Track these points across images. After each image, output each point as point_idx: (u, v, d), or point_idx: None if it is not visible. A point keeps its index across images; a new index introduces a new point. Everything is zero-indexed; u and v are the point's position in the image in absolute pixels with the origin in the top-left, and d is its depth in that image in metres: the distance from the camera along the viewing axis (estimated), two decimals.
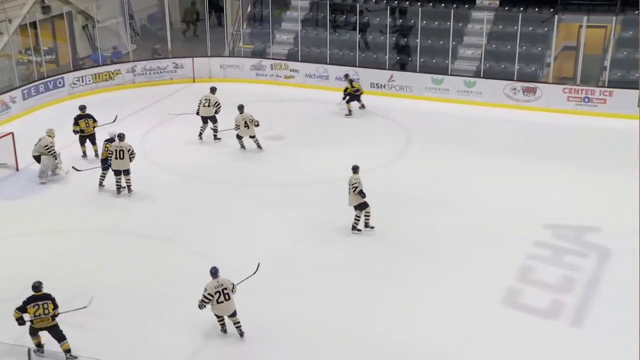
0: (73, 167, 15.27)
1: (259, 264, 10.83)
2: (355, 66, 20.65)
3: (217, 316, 10.29)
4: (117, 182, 14.37)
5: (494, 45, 20.34)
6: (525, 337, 10.39)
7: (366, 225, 12.87)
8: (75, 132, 15.87)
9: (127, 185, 14.41)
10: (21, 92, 18.73)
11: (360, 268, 12.04)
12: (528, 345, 10.24)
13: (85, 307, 10.29)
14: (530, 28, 20.08)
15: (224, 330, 10.39)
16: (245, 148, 16.66)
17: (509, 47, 20.00)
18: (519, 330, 10.52)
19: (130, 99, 19.73)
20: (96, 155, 15.89)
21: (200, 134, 17.10)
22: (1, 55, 19.30)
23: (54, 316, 9.69)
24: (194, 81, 20.96)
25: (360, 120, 18.73)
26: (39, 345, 9.83)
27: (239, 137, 16.56)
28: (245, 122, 16.22)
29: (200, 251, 12.20)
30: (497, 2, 21.21)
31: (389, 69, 20.46)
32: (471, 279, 11.71)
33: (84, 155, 16.17)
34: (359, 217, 12.81)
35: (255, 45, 22.38)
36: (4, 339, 9.32)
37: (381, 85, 20.45)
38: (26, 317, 9.71)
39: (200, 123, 17.00)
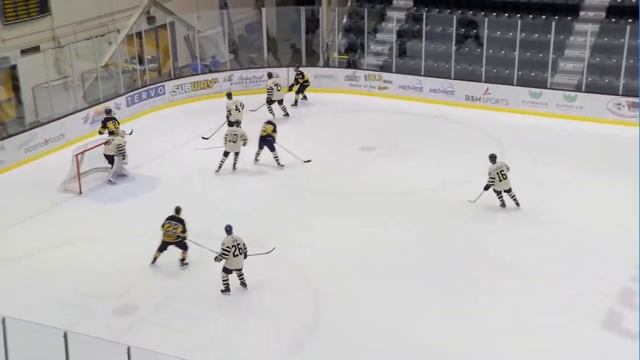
0: (202, 137, 17.31)
1: (274, 248, 11.89)
2: (450, 78, 20.39)
3: (226, 272, 11.30)
4: (222, 161, 15.91)
5: (597, 59, 19.55)
6: None
7: (517, 204, 13.96)
8: (101, 133, 16.44)
9: (234, 163, 15.99)
10: (125, 99, 19.58)
11: (443, 279, 11.85)
12: None
13: (267, 252, 11.83)
14: None
15: (227, 289, 11.34)
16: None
17: (614, 60, 19.18)
18: (620, 356, 10.00)
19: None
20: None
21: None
22: (109, 64, 20.27)
23: (179, 236, 12.05)
24: (288, 90, 21.26)
25: (453, 133, 18.44)
26: (154, 260, 12.21)
27: (231, 124, 16.95)
28: (236, 106, 17.55)
29: (281, 257, 12.23)
30: (603, 14, 20.41)
31: (484, 82, 20.07)
32: (567, 298, 11.27)
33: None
34: (502, 197, 14.00)
35: (350, 56, 22.49)
36: (104, 335, 9.62)
37: (476, 98, 20.04)
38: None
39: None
